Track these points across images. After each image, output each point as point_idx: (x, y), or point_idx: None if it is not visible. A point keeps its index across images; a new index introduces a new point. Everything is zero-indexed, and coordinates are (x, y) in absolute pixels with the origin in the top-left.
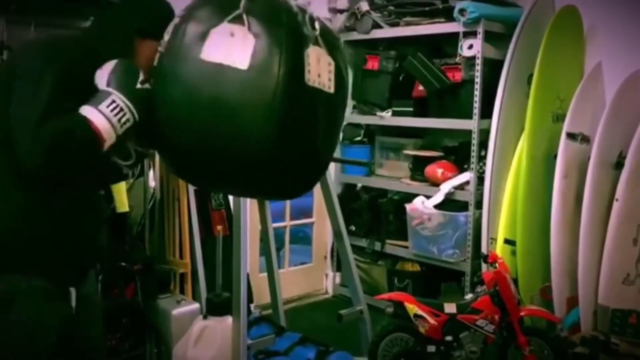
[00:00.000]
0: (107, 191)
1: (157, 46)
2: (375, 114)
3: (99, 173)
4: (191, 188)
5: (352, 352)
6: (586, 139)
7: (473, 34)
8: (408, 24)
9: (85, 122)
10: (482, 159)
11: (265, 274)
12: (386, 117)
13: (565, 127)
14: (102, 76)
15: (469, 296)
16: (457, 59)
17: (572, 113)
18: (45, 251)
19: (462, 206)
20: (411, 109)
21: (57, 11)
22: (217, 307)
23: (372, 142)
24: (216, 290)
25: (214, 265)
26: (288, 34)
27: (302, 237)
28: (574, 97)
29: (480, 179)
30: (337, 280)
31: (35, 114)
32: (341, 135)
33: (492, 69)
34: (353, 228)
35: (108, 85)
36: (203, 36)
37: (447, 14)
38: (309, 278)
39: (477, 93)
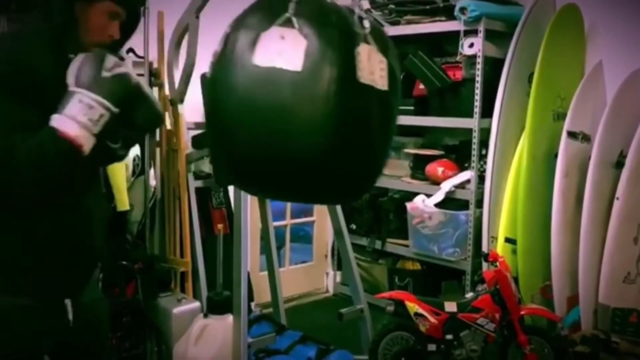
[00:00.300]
0: (108, 190)
1: (107, 6)
2: None
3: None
4: (191, 187)
5: (352, 351)
6: (587, 138)
7: (474, 32)
8: (409, 22)
9: (55, 133)
10: (482, 157)
11: (265, 273)
12: None
13: (566, 126)
14: (71, 75)
15: (469, 295)
16: (458, 58)
17: (572, 112)
18: (30, 268)
19: (463, 205)
20: (412, 107)
21: None
22: (217, 305)
23: None
24: (217, 289)
25: (214, 263)
26: (338, 33)
27: (302, 235)
28: (574, 96)
29: (481, 178)
30: (338, 278)
31: None
32: None
33: (493, 67)
34: (354, 227)
35: (76, 83)
36: (254, 42)
37: (448, 13)
38: (310, 277)
39: (477, 92)
